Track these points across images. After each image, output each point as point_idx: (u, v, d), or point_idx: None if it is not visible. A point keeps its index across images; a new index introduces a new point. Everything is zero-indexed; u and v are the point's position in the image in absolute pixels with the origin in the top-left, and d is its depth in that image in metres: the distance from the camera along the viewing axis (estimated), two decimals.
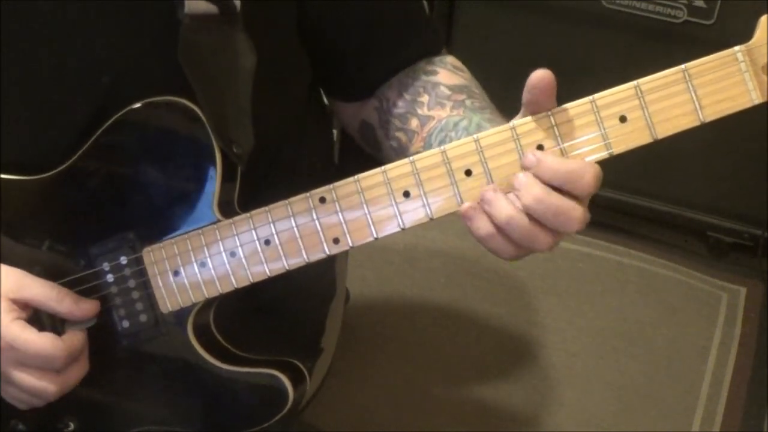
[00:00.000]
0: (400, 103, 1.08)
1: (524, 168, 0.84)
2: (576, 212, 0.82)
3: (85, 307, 0.99)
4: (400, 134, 1.07)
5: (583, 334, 1.96)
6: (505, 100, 1.00)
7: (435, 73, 1.09)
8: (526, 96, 0.84)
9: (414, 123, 1.06)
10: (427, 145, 1.02)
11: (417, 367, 1.85)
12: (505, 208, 0.84)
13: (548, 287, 2.06)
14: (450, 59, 1.13)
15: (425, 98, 1.06)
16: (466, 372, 1.86)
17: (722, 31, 1.92)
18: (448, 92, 1.06)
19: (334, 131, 1.42)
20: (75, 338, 0.99)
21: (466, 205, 0.86)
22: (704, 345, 1.95)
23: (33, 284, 0.98)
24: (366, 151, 1.16)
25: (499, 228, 0.85)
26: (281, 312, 1.19)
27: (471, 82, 1.10)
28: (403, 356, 1.87)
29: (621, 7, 1.98)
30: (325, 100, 1.24)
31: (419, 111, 1.06)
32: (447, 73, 1.09)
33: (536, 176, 0.83)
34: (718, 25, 1.92)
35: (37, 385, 0.97)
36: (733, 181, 2.10)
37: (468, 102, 1.04)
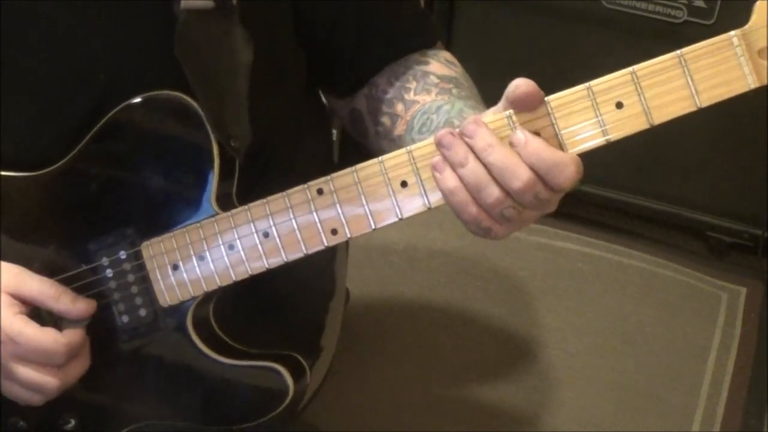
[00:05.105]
0: (389, 90, 1.09)
1: (511, 144, 0.84)
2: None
3: (81, 306, 0.99)
4: (385, 119, 1.07)
5: (583, 334, 1.96)
6: None
7: (427, 63, 1.10)
8: (509, 101, 0.85)
9: (399, 107, 1.06)
10: (410, 127, 1.02)
11: (417, 367, 1.85)
12: (463, 152, 0.84)
13: (548, 287, 2.06)
14: (444, 54, 1.13)
15: (413, 84, 1.07)
16: (466, 372, 1.86)
17: (722, 31, 1.89)
18: (436, 80, 1.06)
19: (334, 131, 1.42)
20: (75, 333, 0.99)
21: (437, 157, 0.86)
22: (704, 345, 1.95)
23: (31, 281, 0.98)
24: (360, 146, 1.16)
25: (459, 175, 0.84)
26: (281, 309, 1.19)
27: (462, 75, 1.10)
28: (403, 356, 1.86)
29: (621, 7, 1.97)
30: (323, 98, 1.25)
31: (405, 96, 1.06)
32: (439, 65, 1.10)
33: (520, 156, 0.83)
34: (718, 25, 1.91)
35: (38, 380, 0.97)
36: (733, 181, 2.09)
37: (455, 91, 1.05)
